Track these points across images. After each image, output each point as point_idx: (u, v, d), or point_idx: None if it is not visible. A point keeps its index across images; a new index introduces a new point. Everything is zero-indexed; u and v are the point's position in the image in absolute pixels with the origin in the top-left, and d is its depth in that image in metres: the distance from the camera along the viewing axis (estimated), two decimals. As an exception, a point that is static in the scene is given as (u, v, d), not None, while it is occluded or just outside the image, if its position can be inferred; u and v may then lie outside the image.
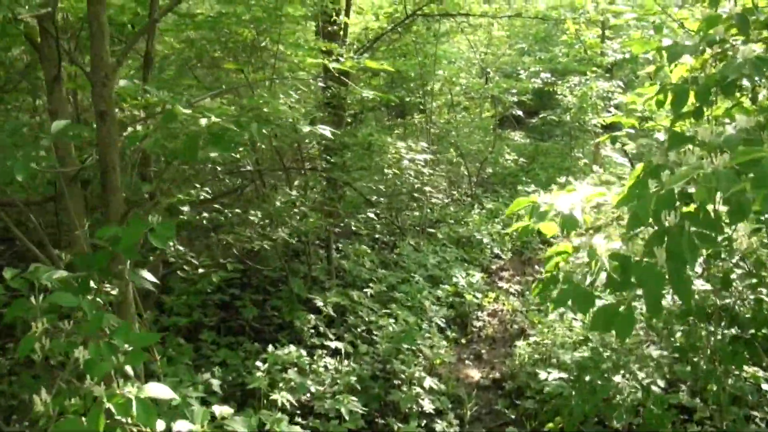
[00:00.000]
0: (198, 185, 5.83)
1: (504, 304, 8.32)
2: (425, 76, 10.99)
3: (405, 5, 8.87)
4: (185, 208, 3.32)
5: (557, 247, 2.74)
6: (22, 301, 2.46)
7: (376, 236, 9.41)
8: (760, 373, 4.97)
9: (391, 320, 6.45)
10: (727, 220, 2.29)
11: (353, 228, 8.61)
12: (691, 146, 2.35)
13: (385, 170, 7.91)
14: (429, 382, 5.71)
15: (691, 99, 2.74)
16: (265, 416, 4.38)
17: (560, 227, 2.59)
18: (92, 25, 3.53)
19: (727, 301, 4.30)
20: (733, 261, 4.01)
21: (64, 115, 3.66)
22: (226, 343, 6.06)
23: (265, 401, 5.01)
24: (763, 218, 2.92)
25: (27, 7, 3.30)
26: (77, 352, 2.28)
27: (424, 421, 5.46)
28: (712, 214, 2.26)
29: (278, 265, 7.34)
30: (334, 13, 7.60)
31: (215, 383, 4.76)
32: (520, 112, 15.21)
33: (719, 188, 2.05)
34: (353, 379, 5.43)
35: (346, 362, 5.88)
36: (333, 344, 6.10)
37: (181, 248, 5.52)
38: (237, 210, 6.52)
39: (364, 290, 7.20)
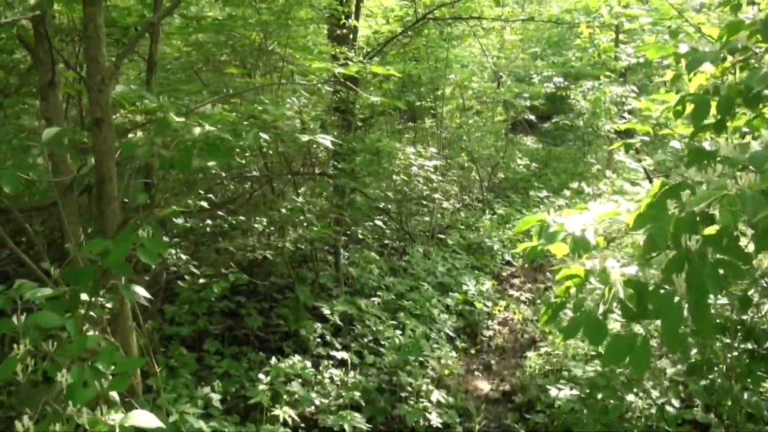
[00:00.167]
0: (202, 191, 5.71)
1: (515, 313, 8.17)
2: (436, 80, 10.84)
3: (416, 8, 8.73)
4: (179, 220, 3.19)
5: (568, 270, 2.56)
6: (5, 322, 2.34)
7: (386, 242, 9.28)
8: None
9: (398, 332, 6.30)
10: (753, 246, 2.13)
11: (360, 236, 8.49)
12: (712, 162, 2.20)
13: (394, 176, 7.77)
14: (437, 395, 5.57)
15: (712, 110, 2.59)
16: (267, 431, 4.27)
17: (571, 250, 2.42)
18: (88, 27, 3.41)
19: (745, 317, 4.15)
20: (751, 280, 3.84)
21: (59, 122, 3.55)
22: (230, 352, 5.94)
23: (268, 414, 4.89)
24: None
25: (20, 8, 3.19)
26: (60, 375, 2.16)
27: (431, 436, 5.33)
28: (736, 239, 2.09)
29: (285, 272, 7.22)
30: (343, 17, 7.47)
31: (215, 398, 4.62)
32: (532, 117, 15.05)
33: (745, 212, 1.89)
34: (357, 394, 5.28)
35: (351, 374, 5.74)
36: (339, 354, 5.97)
37: (183, 257, 5.40)
38: (241, 217, 6.39)
39: (372, 299, 7.07)
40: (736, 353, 4.34)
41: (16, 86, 6.05)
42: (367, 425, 5.08)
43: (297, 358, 5.67)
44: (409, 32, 8.97)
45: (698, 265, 2.08)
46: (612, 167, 13.25)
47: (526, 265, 10.17)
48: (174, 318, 5.94)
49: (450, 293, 8.00)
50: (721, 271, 2.06)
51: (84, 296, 2.77)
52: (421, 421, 5.33)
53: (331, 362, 5.93)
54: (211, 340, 6.00)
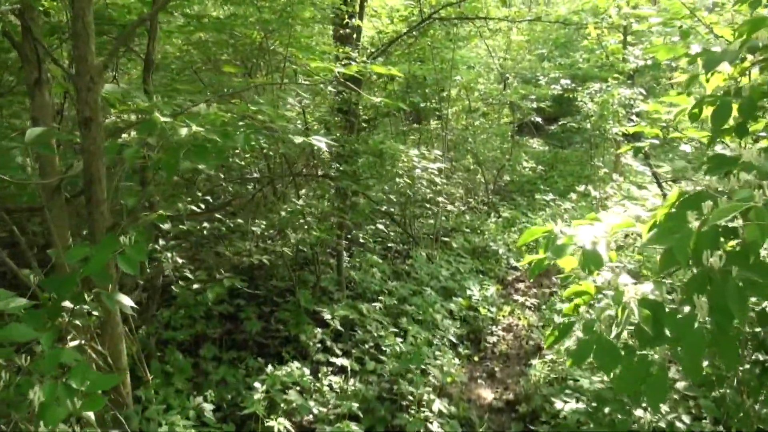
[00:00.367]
0: (200, 194, 5.57)
1: (519, 319, 8.01)
2: (442, 81, 10.70)
3: (421, 8, 8.58)
4: (167, 225, 3.05)
5: (577, 287, 2.37)
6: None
7: (389, 245, 9.14)
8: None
9: (399, 340, 6.13)
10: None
11: (362, 240, 8.35)
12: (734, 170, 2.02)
13: (397, 179, 7.62)
14: (438, 405, 5.41)
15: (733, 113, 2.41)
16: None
17: (582, 266, 2.22)
18: (76, 23, 3.28)
19: (758, 329, 3.98)
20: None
21: (46, 121, 3.41)
22: (228, 358, 5.80)
23: (264, 424, 4.74)
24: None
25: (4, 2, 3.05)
26: (32, 393, 2.02)
27: (432, 447, 5.18)
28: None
29: (286, 275, 7.08)
30: (346, 16, 7.32)
31: (208, 408, 4.48)
32: (539, 119, 14.90)
33: (774, 227, 1.72)
34: (355, 405, 5.12)
35: (351, 381, 5.59)
36: (339, 361, 5.83)
37: (179, 260, 5.26)
38: (239, 220, 6.25)
39: (374, 304, 6.92)
40: (747, 366, 4.18)
41: (12, 85, 5.92)
42: (366, 435, 4.94)
43: (296, 364, 5.53)
44: (414, 32, 8.82)
45: (722, 285, 1.87)
46: (619, 170, 13.09)
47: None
48: (170, 322, 5.80)
49: (454, 298, 7.85)
50: (747, 291, 1.87)
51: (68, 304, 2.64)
52: (421, 431, 5.18)
53: (330, 369, 5.79)
54: (208, 344, 5.86)
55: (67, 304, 2.66)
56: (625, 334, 2.06)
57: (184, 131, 2.45)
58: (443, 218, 10.28)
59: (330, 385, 5.51)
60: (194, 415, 4.30)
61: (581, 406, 4.94)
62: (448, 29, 9.77)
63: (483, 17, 9.22)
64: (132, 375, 4.58)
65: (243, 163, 6.57)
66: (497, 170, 13.77)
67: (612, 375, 2.06)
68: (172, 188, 5.77)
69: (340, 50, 6.76)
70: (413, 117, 13.00)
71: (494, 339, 7.46)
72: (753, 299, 3.13)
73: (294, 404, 4.95)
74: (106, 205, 3.45)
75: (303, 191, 7.57)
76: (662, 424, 4.49)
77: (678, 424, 4.36)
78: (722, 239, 1.91)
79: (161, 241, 5.16)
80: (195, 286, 5.12)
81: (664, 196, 5.88)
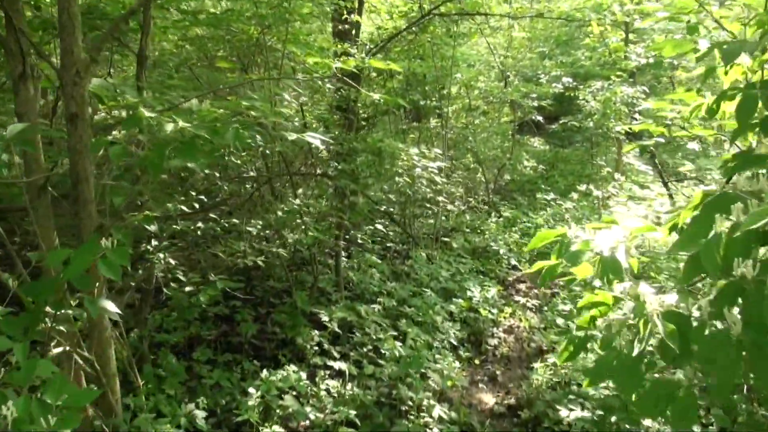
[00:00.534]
0: (194, 193, 5.42)
1: (521, 320, 7.87)
2: (442, 79, 10.55)
3: (421, 4, 8.44)
4: (154, 228, 2.91)
5: (592, 297, 2.16)
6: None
7: (388, 245, 9.00)
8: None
9: (398, 344, 5.98)
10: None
11: (360, 241, 8.20)
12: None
13: (397, 178, 7.47)
14: (438, 410, 5.27)
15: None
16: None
17: (600, 275, 1.99)
18: (61, 15, 3.14)
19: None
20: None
21: (31, 117, 3.27)
22: (223, 360, 5.65)
23: (259, 430, 4.60)
24: None
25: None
26: (5, 408, 1.88)
27: (432, 454, 5.04)
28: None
29: (283, 275, 6.94)
30: (345, 12, 7.18)
31: (200, 415, 4.33)
32: (540, 118, 14.75)
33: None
34: (353, 413, 4.97)
35: (349, 386, 5.45)
36: (337, 365, 5.69)
37: (172, 261, 5.11)
38: (235, 220, 6.10)
39: (373, 305, 6.77)
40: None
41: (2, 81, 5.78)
42: (363, 442, 4.80)
43: (292, 368, 5.40)
44: (413, 28, 8.67)
45: (756, 296, 1.68)
46: (620, 169, 12.96)
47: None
48: (163, 324, 5.66)
49: (454, 299, 7.71)
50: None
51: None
52: (421, 437, 5.04)
53: (328, 373, 5.64)
54: (203, 347, 5.72)
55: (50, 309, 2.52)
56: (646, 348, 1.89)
57: (169, 127, 2.31)
58: (443, 218, 10.14)
59: (327, 390, 5.37)
60: (186, 423, 4.16)
61: (587, 414, 4.79)
62: (448, 26, 9.62)
63: (484, 13, 9.06)
64: (124, 380, 4.45)
65: (239, 161, 6.42)
66: (498, 169, 13.63)
67: (633, 396, 1.88)
68: (167, 187, 5.63)
69: (339, 46, 6.62)
70: (413, 115, 12.86)
71: (495, 341, 7.32)
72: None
73: (290, 410, 4.81)
74: (93, 205, 3.31)
75: (300, 190, 7.43)
76: (669, 432, 4.36)
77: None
78: (756, 247, 1.74)
79: (154, 242, 5.01)
80: (187, 288, 4.96)
81: (670, 196, 5.74)
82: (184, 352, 5.76)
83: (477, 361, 6.82)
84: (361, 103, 7.92)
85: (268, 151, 6.28)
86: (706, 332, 1.84)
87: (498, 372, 6.66)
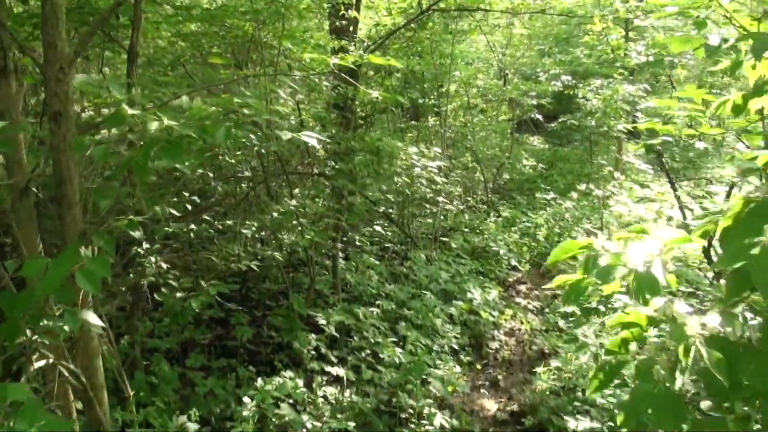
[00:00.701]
0: (186, 193, 5.24)
1: (522, 322, 7.72)
2: (441, 76, 10.38)
3: (420, 0, 8.26)
4: (137, 234, 2.74)
5: (623, 317, 1.89)
6: None
7: (386, 245, 8.83)
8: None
9: (399, 351, 5.80)
10: None
11: (358, 244, 8.02)
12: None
13: (396, 178, 7.30)
14: (440, 419, 5.10)
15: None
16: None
17: (635, 293, 1.71)
18: (44, 6, 2.95)
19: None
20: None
21: (13, 115, 3.09)
22: (218, 366, 5.48)
23: (255, 440, 4.44)
24: None
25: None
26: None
27: (434, 463, 4.88)
28: None
29: (278, 276, 6.77)
30: (342, 8, 7.00)
31: (192, 428, 4.16)
32: (539, 116, 14.59)
33: None
34: (351, 425, 4.80)
35: (347, 392, 5.29)
36: (334, 370, 5.52)
37: (164, 265, 4.93)
38: (229, 222, 5.92)
39: (371, 309, 6.60)
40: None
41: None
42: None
43: (289, 374, 5.23)
44: (412, 24, 8.49)
45: None
46: (620, 168, 12.80)
47: (532, 269, 9.71)
48: (155, 330, 5.48)
49: (454, 301, 7.54)
50: None
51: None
52: (422, 446, 4.88)
53: (325, 378, 5.48)
54: (197, 353, 5.55)
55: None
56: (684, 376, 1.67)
57: (154, 125, 2.13)
58: (441, 217, 9.97)
59: (325, 397, 5.21)
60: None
61: (596, 425, 4.63)
62: (447, 22, 9.45)
63: (485, 9, 8.88)
64: (115, 390, 4.28)
65: (234, 161, 6.24)
66: (496, 168, 13.46)
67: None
68: (159, 187, 5.46)
69: (336, 43, 6.45)
70: (410, 114, 12.69)
71: (496, 344, 7.16)
72: None
73: (286, 419, 4.64)
74: (78, 208, 3.13)
75: (297, 191, 7.25)
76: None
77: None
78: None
79: (145, 245, 4.84)
80: (179, 294, 4.78)
81: (678, 197, 5.57)
82: (177, 357, 5.59)
83: (478, 366, 6.66)
84: (359, 101, 7.76)
85: (263, 150, 6.10)
86: (758, 362, 1.62)
87: (500, 377, 6.50)
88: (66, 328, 2.84)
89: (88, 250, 2.04)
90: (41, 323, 2.48)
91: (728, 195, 5.32)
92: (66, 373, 3.13)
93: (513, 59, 13.89)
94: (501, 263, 9.45)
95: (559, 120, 14.06)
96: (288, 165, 7.06)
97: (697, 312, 1.78)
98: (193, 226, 5.20)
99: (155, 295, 4.96)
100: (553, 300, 8.33)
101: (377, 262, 7.83)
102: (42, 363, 2.89)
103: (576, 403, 5.23)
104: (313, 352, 5.78)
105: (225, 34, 6.43)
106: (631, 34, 11.96)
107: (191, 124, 2.22)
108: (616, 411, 5.44)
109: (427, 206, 9.27)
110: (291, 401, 4.90)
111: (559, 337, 6.94)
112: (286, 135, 2.56)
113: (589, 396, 5.57)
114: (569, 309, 7.58)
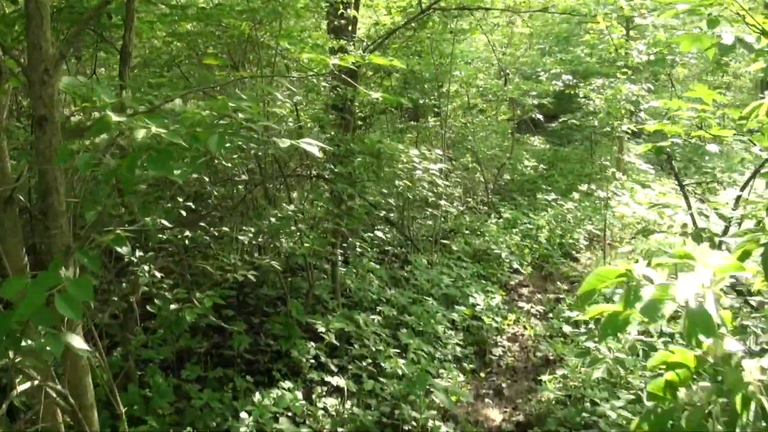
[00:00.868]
0: (180, 199, 5.07)
1: (525, 328, 7.55)
2: (441, 76, 10.22)
3: (420, -1, 8.10)
4: (124, 249, 2.57)
5: (667, 355, 1.60)
6: None
7: (386, 248, 8.66)
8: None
9: (402, 362, 5.61)
10: None
11: (358, 249, 7.85)
12: None
13: (396, 181, 7.12)
14: (444, 431, 4.93)
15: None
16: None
17: (686, 333, 1.47)
18: (28, 5, 2.79)
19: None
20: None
21: (-4, 121, 2.93)
22: (214, 376, 5.30)
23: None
24: None
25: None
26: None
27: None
28: None
29: (276, 281, 6.60)
30: (341, 6, 6.83)
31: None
32: (539, 116, 14.44)
33: None
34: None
35: (348, 404, 5.12)
36: (334, 380, 5.35)
37: (158, 274, 4.76)
38: (225, 228, 5.75)
39: (372, 316, 6.43)
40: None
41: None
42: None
43: (287, 384, 5.06)
44: (412, 24, 8.32)
45: None
46: (621, 169, 12.65)
47: (534, 272, 9.55)
48: (148, 342, 5.29)
49: (456, 306, 7.38)
50: None
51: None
52: (427, 461, 4.71)
53: (325, 389, 5.31)
54: (192, 363, 5.38)
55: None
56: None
57: (140, 133, 1.96)
58: (442, 219, 9.80)
59: (325, 409, 5.04)
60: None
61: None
62: (447, 21, 9.29)
63: (485, 8, 8.71)
64: (107, 404, 4.10)
65: (230, 164, 6.07)
66: (497, 169, 13.31)
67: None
68: (154, 190, 5.30)
69: (335, 43, 6.29)
70: (410, 114, 12.53)
71: (500, 351, 6.99)
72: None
73: (285, 433, 4.48)
74: (65, 218, 2.96)
75: (295, 194, 7.09)
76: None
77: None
78: None
79: (138, 252, 4.66)
80: (173, 306, 4.61)
81: (687, 199, 5.41)
82: (173, 366, 5.43)
83: (482, 374, 6.50)
84: (358, 102, 7.59)
85: (260, 153, 5.94)
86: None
87: (504, 385, 6.33)
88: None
89: (71, 269, 1.87)
90: (23, 344, 2.31)
91: (737, 200, 5.15)
92: (53, 394, 2.96)
93: (513, 58, 13.73)
94: (503, 266, 9.28)
95: (560, 120, 13.92)
96: (286, 167, 6.89)
97: (749, 352, 1.58)
98: (188, 233, 5.01)
99: (148, 307, 4.78)
100: (556, 304, 8.17)
101: (377, 267, 7.67)
102: (27, 385, 2.72)
103: (584, 414, 5.06)
104: (312, 361, 5.62)
105: (221, 33, 6.27)
106: (631, 33, 11.82)
107: (181, 132, 2.05)
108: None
109: (429, 210, 9.11)
110: (290, 414, 4.74)
111: (564, 344, 6.78)
112: (285, 143, 2.39)
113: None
114: (574, 314, 7.42)
